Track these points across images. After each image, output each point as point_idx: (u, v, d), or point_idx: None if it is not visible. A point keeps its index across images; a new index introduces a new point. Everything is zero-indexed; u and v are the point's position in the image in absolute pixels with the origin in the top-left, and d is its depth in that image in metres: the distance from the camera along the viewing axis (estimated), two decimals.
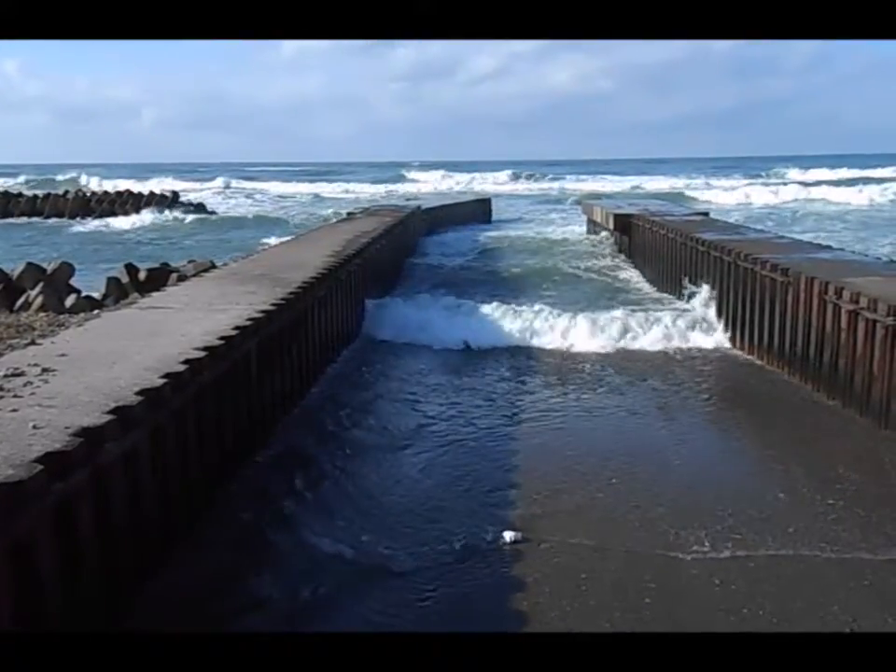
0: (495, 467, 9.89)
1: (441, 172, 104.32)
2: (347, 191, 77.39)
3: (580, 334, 16.19)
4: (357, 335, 16.43)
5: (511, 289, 22.10)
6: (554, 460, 10.15)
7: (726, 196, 61.88)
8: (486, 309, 17.75)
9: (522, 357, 15.46)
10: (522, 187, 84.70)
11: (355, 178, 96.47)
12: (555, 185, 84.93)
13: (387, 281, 21.14)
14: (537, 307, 17.68)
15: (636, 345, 15.93)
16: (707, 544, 7.98)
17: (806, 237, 22.85)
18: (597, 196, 55.23)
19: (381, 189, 78.85)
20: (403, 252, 26.18)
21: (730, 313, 16.45)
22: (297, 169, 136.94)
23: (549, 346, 16.02)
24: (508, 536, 7.89)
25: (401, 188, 78.47)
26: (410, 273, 24.88)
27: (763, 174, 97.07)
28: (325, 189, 79.81)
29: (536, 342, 16.20)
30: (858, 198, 58.78)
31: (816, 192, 62.50)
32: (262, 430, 10.24)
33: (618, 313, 17.33)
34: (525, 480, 9.47)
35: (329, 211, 47.15)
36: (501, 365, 14.87)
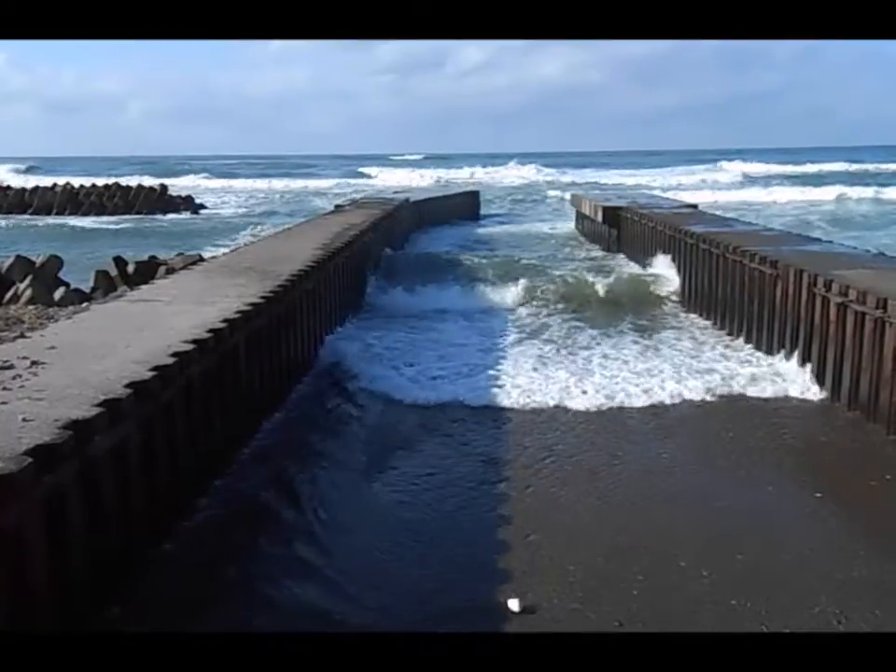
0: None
1: (428, 166, 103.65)
2: (340, 185, 76.71)
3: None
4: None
5: None
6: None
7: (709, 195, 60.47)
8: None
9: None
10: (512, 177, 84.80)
11: (338, 173, 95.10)
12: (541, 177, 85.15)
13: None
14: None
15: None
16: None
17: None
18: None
19: (364, 182, 78.73)
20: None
21: (719, 306, 16.50)
22: (281, 162, 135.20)
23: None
24: (513, 604, 6.82)
25: (389, 182, 77.73)
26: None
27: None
28: (301, 184, 78.68)
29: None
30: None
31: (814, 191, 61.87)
32: (253, 421, 10.23)
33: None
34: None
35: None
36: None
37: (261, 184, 79.41)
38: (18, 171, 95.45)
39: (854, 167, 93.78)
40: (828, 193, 58.59)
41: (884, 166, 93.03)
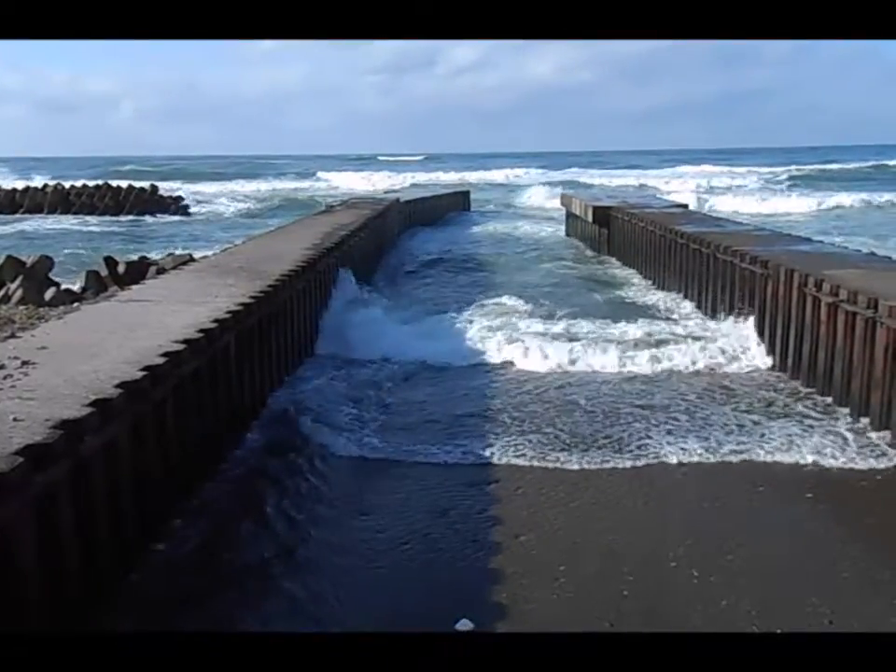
0: None
1: (418, 167, 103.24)
2: (332, 186, 76.09)
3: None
4: None
5: None
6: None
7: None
8: None
9: None
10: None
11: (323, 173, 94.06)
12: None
13: None
14: None
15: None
16: None
17: None
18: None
19: (358, 182, 78.20)
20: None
21: (712, 304, 16.53)
22: (274, 162, 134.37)
23: None
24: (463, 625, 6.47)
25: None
26: None
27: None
28: (288, 185, 78.10)
29: None
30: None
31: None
32: (242, 422, 10.22)
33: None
34: None
35: None
36: None
37: (243, 186, 78.52)
38: None
39: (854, 166, 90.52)
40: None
41: None
